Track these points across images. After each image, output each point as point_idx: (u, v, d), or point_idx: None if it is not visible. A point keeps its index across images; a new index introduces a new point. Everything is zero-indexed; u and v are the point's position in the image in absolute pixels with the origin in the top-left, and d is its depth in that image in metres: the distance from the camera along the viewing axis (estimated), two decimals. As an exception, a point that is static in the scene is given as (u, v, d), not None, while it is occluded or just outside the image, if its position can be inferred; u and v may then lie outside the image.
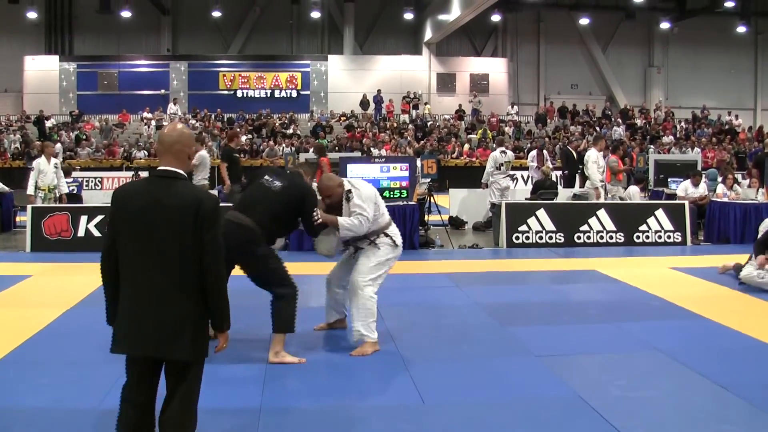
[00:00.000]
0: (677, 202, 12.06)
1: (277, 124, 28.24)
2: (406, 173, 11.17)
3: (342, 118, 29.85)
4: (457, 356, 5.50)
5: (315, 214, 5.33)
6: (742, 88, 34.08)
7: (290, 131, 27.59)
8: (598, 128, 28.54)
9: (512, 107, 31.39)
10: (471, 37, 33.21)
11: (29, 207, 10.84)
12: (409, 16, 30.14)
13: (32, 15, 29.08)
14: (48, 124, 27.53)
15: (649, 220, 11.45)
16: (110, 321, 3.25)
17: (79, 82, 30.53)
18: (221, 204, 3.26)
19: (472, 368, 5.22)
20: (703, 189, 12.65)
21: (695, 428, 4.17)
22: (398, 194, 10.96)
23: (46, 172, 11.72)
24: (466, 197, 14.22)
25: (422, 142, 26.17)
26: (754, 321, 6.62)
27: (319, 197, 5.61)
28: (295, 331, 5.33)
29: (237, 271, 5.23)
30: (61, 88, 30.27)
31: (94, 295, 7.04)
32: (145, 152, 25.24)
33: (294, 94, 31.62)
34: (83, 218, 10.61)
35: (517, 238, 11.13)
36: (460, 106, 31.20)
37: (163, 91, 30.66)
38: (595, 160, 12.32)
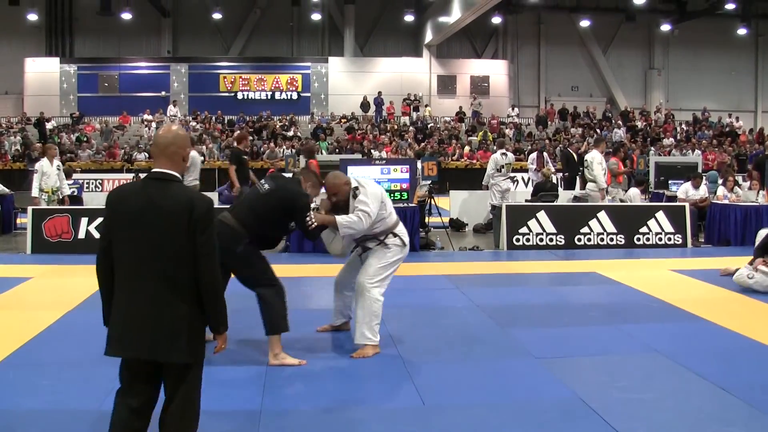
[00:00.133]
0: (678, 204, 12.05)
1: (277, 126, 28.26)
2: (407, 175, 11.16)
3: (342, 120, 29.87)
4: (457, 358, 5.50)
5: (308, 218, 5.31)
6: (743, 90, 34.11)
7: (291, 133, 27.61)
8: (598, 130, 28.55)
9: (513, 109, 31.42)
10: (471, 39, 33.24)
11: (30, 209, 10.85)
12: (409, 18, 30.18)
13: (33, 17, 29.14)
14: (48, 126, 27.55)
15: (649, 222, 11.44)
16: (107, 323, 3.24)
17: (79, 84, 30.57)
18: (216, 205, 3.26)
19: (472, 370, 5.22)
20: (703, 191, 12.64)
21: (695, 430, 4.17)
22: (399, 196, 10.96)
23: (49, 174, 11.75)
24: (466, 199, 14.22)
25: (423, 144, 26.19)
26: (755, 323, 6.61)
27: (325, 195, 5.61)
28: (289, 330, 5.29)
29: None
30: (61, 90, 30.31)
31: (94, 297, 7.02)
32: (146, 154, 25.24)
33: (294, 96, 31.65)
34: (84, 220, 10.62)
35: (518, 240, 11.13)
36: (460, 108, 31.23)
37: (163, 93, 30.70)
38: (600, 162, 12.31)
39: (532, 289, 8.61)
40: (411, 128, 28.83)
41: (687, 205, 11.82)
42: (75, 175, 17.23)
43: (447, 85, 32.79)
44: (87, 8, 29.56)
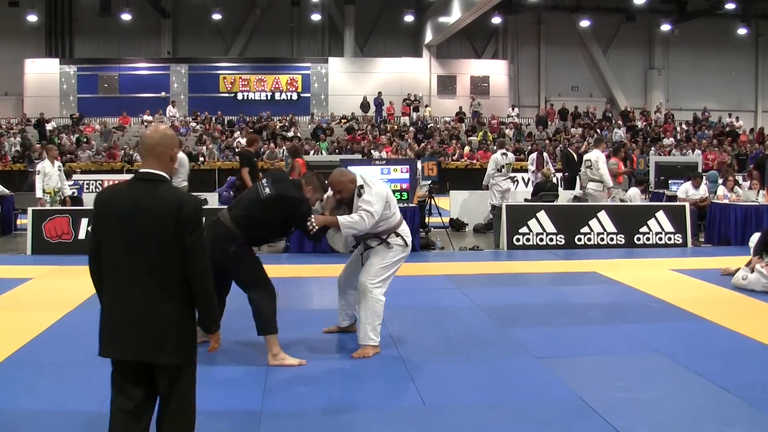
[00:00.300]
0: (678, 203, 12.05)
1: (277, 127, 28.25)
2: (407, 175, 11.17)
3: (342, 121, 29.87)
4: (457, 358, 5.50)
5: (309, 223, 5.30)
6: (743, 90, 34.11)
7: (291, 134, 27.60)
8: (598, 130, 28.55)
9: (513, 109, 31.42)
10: (471, 39, 33.24)
11: (30, 210, 10.85)
12: (409, 18, 30.19)
13: (32, 18, 29.14)
14: (48, 127, 27.54)
15: (649, 222, 11.45)
16: None
17: (79, 85, 30.58)
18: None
19: (472, 370, 5.22)
20: (703, 191, 12.64)
21: (696, 429, 4.17)
22: (399, 196, 10.95)
23: (50, 174, 11.78)
24: (466, 199, 14.22)
25: (423, 144, 26.18)
26: (755, 323, 6.62)
27: (330, 193, 5.60)
28: (277, 332, 5.26)
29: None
30: (61, 91, 30.31)
31: (94, 298, 6.99)
32: (146, 155, 25.18)
33: (294, 96, 31.65)
34: (84, 221, 10.61)
35: (518, 239, 11.13)
36: (460, 108, 31.23)
37: (163, 93, 30.70)
38: (604, 161, 12.32)
39: (532, 289, 8.61)
40: (411, 128, 28.83)
41: (687, 204, 11.82)
42: (75, 176, 17.24)
43: (447, 85, 32.78)
44: (87, 9, 29.55)
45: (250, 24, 32.33)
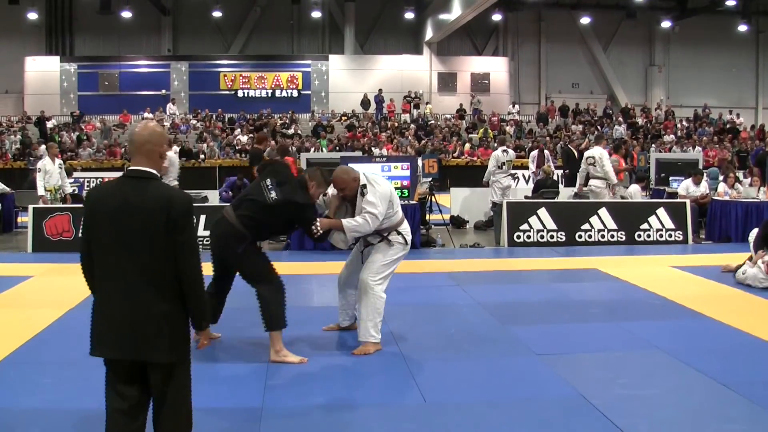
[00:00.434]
0: (678, 200, 12.05)
1: (278, 124, 28.25)
2: (408, 173, 11.18)
3: (343, 118, 29.85)
4: (458, 355, 5.50)
5: (315, 227, 5.31)
6: (744, 87, 34.06)
7: (291, 131, 27.60)
8: (599, 127, 28.53)
9: (513, 106, 31.38)
10: (472, 36, 33.18)
11: (30, 207, 10.85)
12: (409, 15, 30.15)
13: (33, 16, 29.11)
14: (49, 125, 27.54)
15: (650, 219, 11.44)
16: None
17: (79, 83, 30.53)
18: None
19: (473, 367, 5.22)
20: (704, 188, 12.64)
21: (697, 426, 4.17)
22: (400, 194, 10.94)
23: (51, 172, 11.79)
24: (467, 196, 14.23)
25: (423, 141, 26.16)
26: (756, 319, 6.61)
27: (332, 191, 5.60)
28: (287, 326, 5.30)
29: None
30: (62, 89, 30.27)
31: (95, 296, 7.03)
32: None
33: (295, 94, 31.62)
34: (85, 219, 10.60)
35: (519, 237, 11.13)
36: (461, 105, 31.20)
37: (164, 91, 30.66)
38: (608, 158, 12.29)
39: (532, 286, 8.61)
40: (411, 126, 28.82)
41: (688, 201, 11.82)
42: (75, 174, 17.26)
43: (447, 82, 32.74)
44: (87, 7, 29.49)
45: (250, 21, 32.29)
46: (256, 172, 11.36)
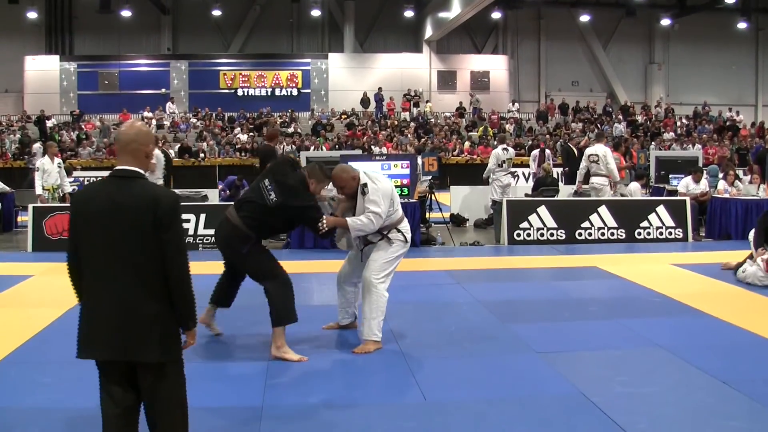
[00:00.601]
0: (678, 198, 12.04)
1: (277, 123, 28.23)
2: (407, 171, 11.17)
3: (343, 117, 29.85)
4: (458, 353, 5.50)
5: (320, 225, 5.32)
6: (743, 85, 34.06)
7: (291, 130, 27.59)
8: (599, 125, 28.52)
9: (513, 104, 31.37)
10: (471, 34, 33.17)
11: (30, 207, 10.85)
12: (409, 13, 30.12)
13: (32, 15, 29.10)
14: (49, 124, 27.54)
15: (650, 217, 11.44)
16: None
17: (79, 82, 30.53)
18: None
19: (473, 365, 5.22)
20: (704, 185, 12.63)
21: (697, 424, 4.17)
22: (399, 192, 10.94)
23: (50, 171, 11.79)
24: (467, 194, 14.23)
25: (423, 139, 26.15)
26: (756, 317, 6.61)
27: (335, 192, 5.61)
28: (297, 320, 5.32)
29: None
30: (61, 88, 30.27)
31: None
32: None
33: (294, 92, 31.61)
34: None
35: (519, 235, 11.13)
36: (460, 103, 31.19)
37: (163, 90, 30.66)
38: (611, 156, 12.27)
39: (533, 284, 8.62)
40: (411, 124, 28.80)
41: (688, 199, 11.81)
42: (75, 173, 17.24)
43: (447, 80, 32.73)
44: (87, 6, 29.48)
45: (249, 20, 32.27)
46: None
